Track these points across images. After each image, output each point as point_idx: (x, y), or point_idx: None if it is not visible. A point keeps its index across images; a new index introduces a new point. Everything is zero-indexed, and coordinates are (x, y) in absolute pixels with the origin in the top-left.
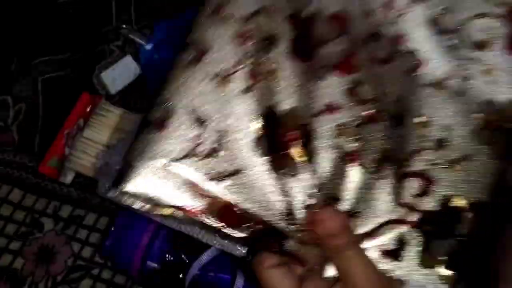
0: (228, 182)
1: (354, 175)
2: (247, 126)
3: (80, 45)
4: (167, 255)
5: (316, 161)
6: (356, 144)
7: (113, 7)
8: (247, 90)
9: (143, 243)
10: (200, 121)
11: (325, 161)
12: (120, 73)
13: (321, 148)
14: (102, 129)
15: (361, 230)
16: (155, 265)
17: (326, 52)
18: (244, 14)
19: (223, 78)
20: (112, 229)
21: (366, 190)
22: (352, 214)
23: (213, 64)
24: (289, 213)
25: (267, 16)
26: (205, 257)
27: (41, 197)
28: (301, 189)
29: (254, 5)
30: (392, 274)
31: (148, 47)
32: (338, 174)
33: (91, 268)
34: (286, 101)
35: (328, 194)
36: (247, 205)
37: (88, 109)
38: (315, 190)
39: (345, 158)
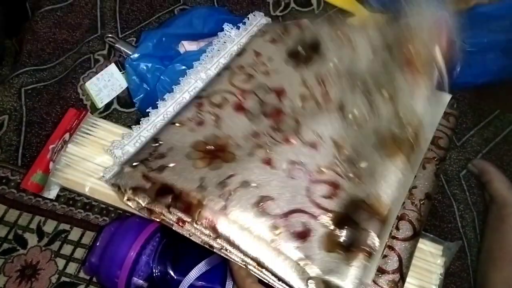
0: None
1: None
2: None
3: (64, 55)
4: (154, 271)
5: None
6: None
7: (98, 16)
8: (193, 129)
9: (129, 259)
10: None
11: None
12: (105, 83)
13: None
14: (87, 144)
15: (276, 211)
16: (142, 281)
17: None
18: (204, 95)
19: (181, 124)
20: (97, 244)
21: (282, 180)
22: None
23: (178, 118)
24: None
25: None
26: (193, 274)
27: (25, 212)
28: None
29: (210, 91)
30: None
31: (134, 56)
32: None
33: (76, 284)
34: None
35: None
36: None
37: (74, 124)
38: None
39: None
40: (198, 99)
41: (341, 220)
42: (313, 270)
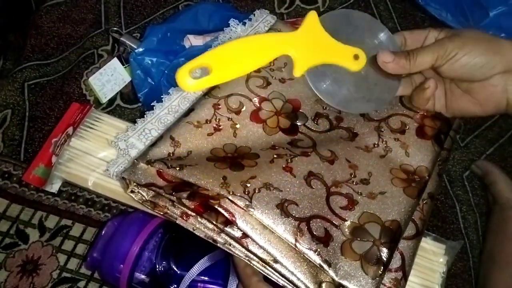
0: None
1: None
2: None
3: (68, 50)
4: (157, 267)
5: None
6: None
7: (102, 11)
8: (210, 134)
9: (132, 253)
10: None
11: (275, 167)
12: (108, 77)
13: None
14: (90, 138)
15: (299, 215)
16: (144, 276)
17: (279, 121)
18: (221, 96)
19: (198, 125)
20: (100, 238)
21: (303, 188)
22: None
23: (195, 117)
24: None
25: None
26: (196, 269)
27: (27, 207)
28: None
29: (227, 92)
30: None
31: (139, 51)
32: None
33: (77, 280)
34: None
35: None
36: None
37: (77, 118)
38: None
39: (286, 169)
40: (215, 99)
41: (358, 231)
42: (329, 274)
